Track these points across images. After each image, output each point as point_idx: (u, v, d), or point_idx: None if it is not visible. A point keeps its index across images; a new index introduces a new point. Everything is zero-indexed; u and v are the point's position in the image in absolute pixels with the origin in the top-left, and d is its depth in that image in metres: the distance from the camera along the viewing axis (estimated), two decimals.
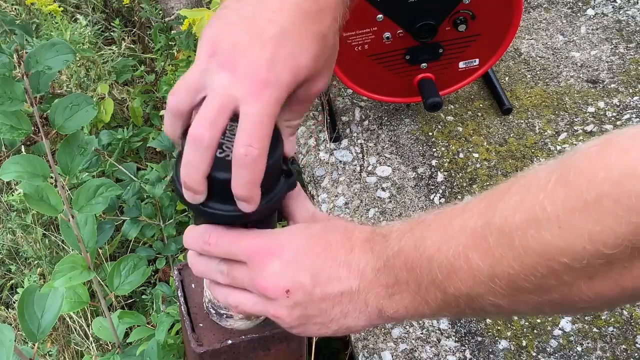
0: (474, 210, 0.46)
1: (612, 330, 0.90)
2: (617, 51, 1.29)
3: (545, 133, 1.16)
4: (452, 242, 0.46)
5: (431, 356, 0.89)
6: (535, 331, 0.91)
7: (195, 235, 0.54)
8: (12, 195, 1.55)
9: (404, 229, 0.50)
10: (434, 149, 1.16)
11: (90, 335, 1.37)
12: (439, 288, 0.47)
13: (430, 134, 1.18)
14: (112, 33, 2.01)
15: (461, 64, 1.12)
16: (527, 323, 0.92)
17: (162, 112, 1.54)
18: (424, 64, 1.10)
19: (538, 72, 1.27)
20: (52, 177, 0.90)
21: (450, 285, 0.46)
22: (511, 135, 1.17)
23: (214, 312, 0.66)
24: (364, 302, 0.51)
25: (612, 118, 1.17)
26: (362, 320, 0.52)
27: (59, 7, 1.60)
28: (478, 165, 1.13)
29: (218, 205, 0.51)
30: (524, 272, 0.42)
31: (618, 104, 1.19)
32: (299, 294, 0.51)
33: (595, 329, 0.91)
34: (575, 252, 0.39)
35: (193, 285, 0.71)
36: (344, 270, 0.51)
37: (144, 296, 1.36)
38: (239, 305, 0.55)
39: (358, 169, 1.14)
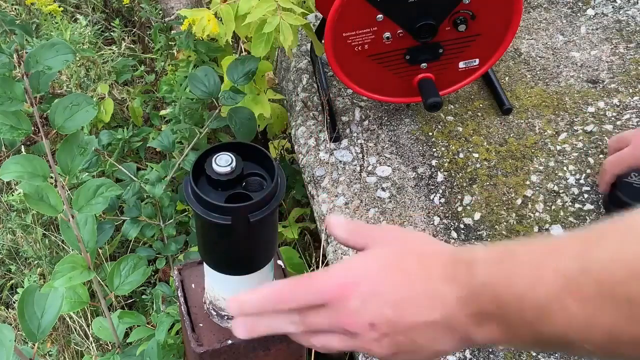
0: (567, 251, 0.45)
1: None
2: (617, 51, 1.29)
3: (545, 133, 1.16)
4: (545, 284, 0.44)
5: None
6: None
7: (262, 296, 0.54)
8: (12, 195, 1.55)
9: (491, 259, 0.49)
10: (434, 149, 1.16)
11: (90, 335, 1.37)
12: (531, 328, 0.46)
13: (430, 134, 1.18)
14: (112, 33, 2.01)
15: (461, 64, 1.12)
16: None
17: (162, 112, 1.54)
18: (424, 64, 1.10)
19: (538, 72, 1.27)
20: (52, 177, 0.90)
21: (543, 326, 0.45)
22: (511, 135, 1.17)
23: (214, 313, 0.66)
24: (450, 330, 0.50)
25: (612, 118, 1.17)
26: (452, 345, 0.51)
27: (59, 7, 1.60)
28: (478, 165, 1.13)
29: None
30: (625, 323, 0.41)
31: (618, 104, 1.19)
32: (383, 326, 0.51)
33: None
34: None
35: (193, 285, 0.71)
36: (425, 300, 0.50)
37: (144, 296, 1.36)
38: (326, 345, 0.55)
39: (358, 169, 1.14)
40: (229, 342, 0.65)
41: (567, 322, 0.43)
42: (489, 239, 1.01)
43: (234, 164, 0.61)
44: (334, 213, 1.08)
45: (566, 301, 0.43)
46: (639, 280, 0.39)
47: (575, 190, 1.07)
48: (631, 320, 0.40)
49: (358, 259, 0.54)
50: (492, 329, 0.48)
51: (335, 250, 1.03)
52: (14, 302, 1.54)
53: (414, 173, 1.13)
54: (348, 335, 0.53)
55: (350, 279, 0.52)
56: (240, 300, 0.54)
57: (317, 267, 1.05)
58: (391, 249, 0.54)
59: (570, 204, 1.05)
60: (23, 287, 1.48)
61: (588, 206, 1.04)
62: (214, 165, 0.60)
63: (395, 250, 0.53)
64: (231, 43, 1.54)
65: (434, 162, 1.14)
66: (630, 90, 1.21)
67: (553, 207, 1.05)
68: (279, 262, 0.74)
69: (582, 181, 1.08)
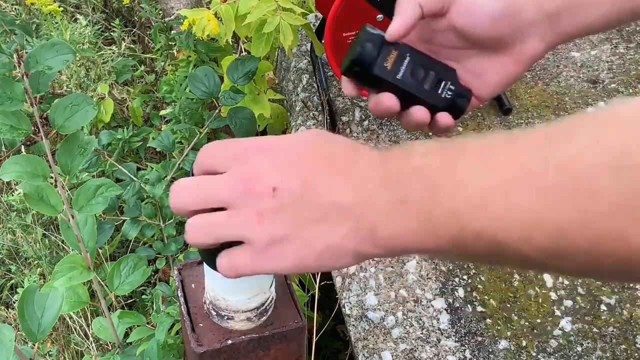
0: (527, 144, 0.39)
1: (612, 330, 0.90)
2: (617, 51, 1.29)
3: None
4: (491, 173, 0.39)
5: (431, 356, 0.89)
6: (535, 331, 0.91)
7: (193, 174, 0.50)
8: (12, 195, 1.56)
9: (432, 147, 0.44)
10: None
11: (90, 335, 1.37)
12: (458, 221, 0.40)
13: (430, 134, 1.18)
14: (112, 33, 2.01)
15: None
16: (527, 323, 0.92)
17: (162, 112, 1.54)
18: None
19: (538, 72, 1.27)
20: (52, 177, 0.90)
21: (474, 221, 0.39)
22: None
23: (214, 313, 0.66)
24: (356, 217, 0.44)
25: None
26: (352, 240, 0.44)
27: (59, 7, 1.60)
28: None
29: None
30: (583, 222, 0.35)
31: None
32: (285, 195, 0.44)
33: (595, 329, 0.91)
34: None
35: (193, 285, 0.71)
36: (341, 179, 0.45)
37: (144, 296, 1.36)
38: (208, 224, 0.47)
39: None
40: (229, 342, 0.65)
41: (508, 216, 0.38)
42: None
43: None
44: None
45: (514, 191, 0.38)
46: (615, 174, 0.34)
47: None
48: (587, 219, 0.35)
49: (285, 136, 0.49)
50: (405, 220, 0.42)
51: None
52: (14, 302, 1.54)
53: None
54: (243, 199, 0.45)
55: (268, 142, 0.47)
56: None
57: None
58: (327, 135, 0.48)
59: None
60: (23, 287, 1.48)
61: None
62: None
63: (329, 136, 0.48)
64: (231, 43, 1.54)
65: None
66: (630, 91, 1.21)
67: None
68: None
69: None
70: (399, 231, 0.43)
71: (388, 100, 0.63)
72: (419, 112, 0.63)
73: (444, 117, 0.64)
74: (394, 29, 0.61)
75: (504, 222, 0.38)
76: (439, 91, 0.64)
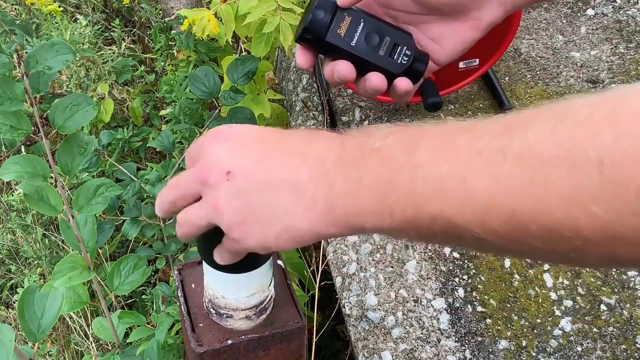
0: (486, 131, 0.39)
1: (612, 330, 0.90)
2: (617, 51, 1.29)
3: None
4: (450, 158, 0.39)
5: (431, 356, 0.89)
6: (535, 331, 0.91)
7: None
8: (12, 195, 1.56)
9: (393, 130, 0.44)
10: None
11: (90, 335, 1.37)
12: (415, 203, 0.40)
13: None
14: (112, 33, 2.01)
15: (461, 64, 1.12)
16: (527, 323, 0.92)
17: (162, 112, 1.54)
18: None
19: (538, 72, 1.27)
20: (52, 177, 0.90)
21: (430, 203, 0.40)
22: None
23: (214, 312, 0.66)
24: (311, 196, 0.44)
25: None
26: (308, 220, 0.44)
27: (59, 7, 1.60)
28: None
29: None
30: (537, 212, 0.36)
31: None
32: (240, 177, 0.46)
33: (595, 329, 0.91)
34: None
35: (193, 285, 0.71)
36: (296, 159, 0.45)
37: (144, 296, 1.36)
38: (185, 218, 0.51)
39: None
40: (229, 342, 0.65)
41: (464, 201, 0.38)
42: None
43: None
44: None
45: (470, 177, 0.38)
46: (569, 168, 0.35)
47: None
48: (543, 209, 0.36)
49: (246, 125, 0.51)
50: (360, 199, 0.42)
51: (335, 251, 1.03)
52: (14, 302, 1.54)
53: None
54: (204, 189, 0.48)
55: (226, 129, 0.49)
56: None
57: (317, 268, 1.04)
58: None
59: None
60: (23, 287, 1.48)
61: None
62: None
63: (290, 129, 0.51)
64: (231, 43, 1.54)
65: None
66: None
67: None
68: (279, 261, 0.74)
69: None
70: (355, 209, 0.43)
71: (343, 68, 0.62)
72: (376, 79, 0.63)
73: (403, 82, 0.64)
74: None
75: (460, 207, 0.39)
76: (395, 57, 0.63)
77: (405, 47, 0.64)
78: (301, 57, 0.65)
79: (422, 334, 0.92)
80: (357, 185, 0.42)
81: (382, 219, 0.42)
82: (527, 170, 0.36)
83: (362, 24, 0.63)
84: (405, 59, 0.64)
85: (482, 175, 0.38)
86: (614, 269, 0.96)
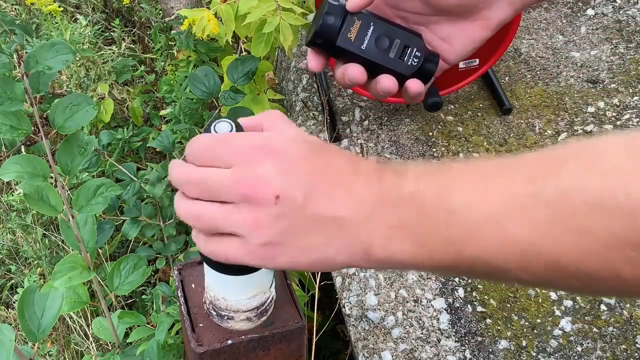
0: (517, 175, 0.40)
1: (612, 330, 0.90)
2: (617, 51, 1.29)
3: (545, 133, 1.16)
4: (485, 205, 0.40)
5: (431, 356, 0.89)
6: (535, 331, 0.91)
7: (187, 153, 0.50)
8: (12, 195, 1.56)
9: (423, 171, 0.45)
10: (434, 149, 1.16)
11: (90, 335, 1.37)
12: (454, 247, 0.42)
13: (430, 134, 1.18)
14: (112, 33, 2.01)
15: (461, 64, 1.12)
16: (527, 323, 0.92)
17: (162, 112, 1.54)
18: None
19: (538, 72, 1.27)
20: (52, 177, 0.90)
21: (469, 248, 0.41)
22: (511, 135, 1.17)
23: (214, 313, 0.66)
24: (353, 236, 0.45)
25: (612, 118, 1.17)
26: (344, 256, 0.46)
27: (59, 7, 1.60)
28: None
29: None
30: (575, 255, 0.37)
31: (618, 104, 1.19)
32: (288, 204, 0.45)
33: (595, 329, 0.91)
34: None
35: (193, 285, 0.71)
36: (342, 195, 0.46)
37: (144, 296, 1.36)
38: (205, 215, 0.48)
39: None
40: (229, 342, 0.65)
41: (502, 247, 0.40)
42: None
43: (234, 130, 0.58)
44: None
45: (507, 224, 0.39)
46: (603, 214, 0.36)
47: None
48: (581, 253, 0.37)
49: (286, 133, 0.48)
50: (402, 244, 0.44)
51: None
52: (14, 302, 1.54)
53: None
54: (242, 203, 0.46)
55: (274, 145, 0.47)
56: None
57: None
58: (323, 142, 0.49)
59: None
60: (23, 287, 1.48)
61: None
62: (212, 132, 0.55)
63: (327, 145, 0.49)
64: (231, 43, 1.54)
65: (434, 162, 1.14)
66: (630, 90, 1.21)
67: None
68: None
69: None
70: (395, 253, 0.44)
71: (354, 72, 0.63)
72: (387, 81, 0.63)
73: (414, 84, 0.64)
74: None
75: (499, 252, 0.40)
76: (405, 58, 0.63)
77: (415, 49, 0.64)
78: (313, 61, 0.65)
79: (422, 334, 0.92)
80: (397, 231, 0.44)
81: (421, 261, 0.44)
82: (563, 217, 0.37)
83: (372, 28, 0.63)
84: (416, 60, 0.64)
85: (518, 222, 0.39)
86: None
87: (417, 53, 0.64)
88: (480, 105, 1.23)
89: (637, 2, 1.39)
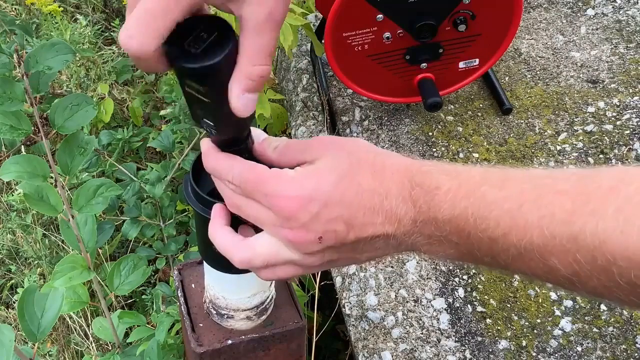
0: (553, 207, 0.42)
1: (612, 330, 0.90)
2: (617, 51, 1.29)
3: (545, 133, 1.16)
4: (524, 236, 0.42)
5: (431, 356, 0.89)
6: (535, 331, 0.91)
7: (217, 164, 0.54)
8: (12, 195, 1.55)
9: (456, 193, 0.47)
10: (434, 149, 1.16)
11: (90, 335, 1.37)
12: (499, 263, 0.45)
13: (430, 134, 1.18)
14: (112, 33, 2.01)
15: (461, 64, 1.12)
16: (527, 323, 0.92)
17: (162, 112, 1.54)
18: (424, 64, 1.10)
19: (538, 72, 1.27)
20: (52, 177, 0.90)
21: (513, 265, 0.44)
22: (511, 135, 1.17)
23: (214, 312, 0.66)
24: (397, 244, 0.50)
25: (612, 118, 1.17)
26: (392, 253, 0.52)
27: (59, 7, 1.60)
28: (478, 165, 1.13)
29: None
30: (613, 288, 0.40)
31: (618, 104, 1.19)
32: (331, 240, 0.50)
33: (595, 329, 0.91)
34: None
35: (193, 285, 0.71)
36: (380, 217, 0.49)
37: (144, 296, 1.36)
38: (259, 255, 0.53)
39: None
40: (229, 342, 0.65)
41: (546, 272, 0.42)
42: None
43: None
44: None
45: (549, 257, 0.42)
46: (638, 268, 0.38)
47: None
48: (620, 290, 0.39)
49: (313, 172, 0.50)
50: (448, 250, 0.48)
51: None
52: (14, 302, 1.54)
53: None
54: (289, 245, 0.51)
55: (302, 193, 0.49)
56: (206, 153, 0.55)
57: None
58: (341, 160, 0.50)
59: None
60: (23, 287, 1.48)
61: None
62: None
63: (347, 161, 0.50)
64: None
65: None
66: (630, 90, 1.21)
67: None
68: None
69: None
70: (440, 253, 0.49)
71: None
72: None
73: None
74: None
75: (543, 273, 0.43)
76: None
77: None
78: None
79: (422, 334, 0.92)
80: (439, 242, 0.48)
81: (467, 261, 0.49)
82: (602, 264, 0.39)
83: None
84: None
85: (560, 259, 0.41)
86: None
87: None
88: (480, 105, 1.23)
89: (637, 2, 1.39)
